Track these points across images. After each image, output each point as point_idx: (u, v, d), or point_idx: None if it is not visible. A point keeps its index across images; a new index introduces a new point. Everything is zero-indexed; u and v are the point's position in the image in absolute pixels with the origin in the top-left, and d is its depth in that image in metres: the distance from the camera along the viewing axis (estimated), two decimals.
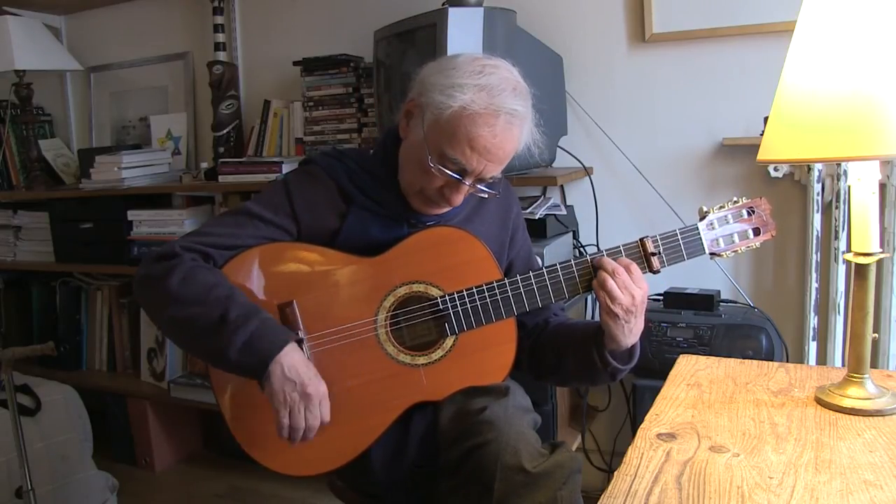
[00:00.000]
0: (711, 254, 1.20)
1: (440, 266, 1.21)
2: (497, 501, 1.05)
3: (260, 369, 1.09)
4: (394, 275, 1.21)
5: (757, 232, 1.21)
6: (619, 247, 1.19)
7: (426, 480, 1.19)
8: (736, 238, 1.21)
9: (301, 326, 1.19)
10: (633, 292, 1.13)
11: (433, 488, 1.18)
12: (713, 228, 1.20)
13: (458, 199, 1.19)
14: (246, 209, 1.24)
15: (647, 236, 1.19)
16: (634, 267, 1.15)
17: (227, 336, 1.08)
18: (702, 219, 1.20)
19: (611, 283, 1.13)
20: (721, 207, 1.21)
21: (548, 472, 1.05)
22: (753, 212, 1.21)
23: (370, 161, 1.28)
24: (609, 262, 1.15)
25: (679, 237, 1.19)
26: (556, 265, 1.20)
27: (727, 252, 1.21)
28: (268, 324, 1.11)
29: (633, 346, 1.19)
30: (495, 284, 1.20)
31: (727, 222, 1.21)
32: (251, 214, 1.22)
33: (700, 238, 1.19)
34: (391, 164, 1.25)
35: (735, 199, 1.22)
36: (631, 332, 1.16)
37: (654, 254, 1.18)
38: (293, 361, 1.10)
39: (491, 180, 1.19)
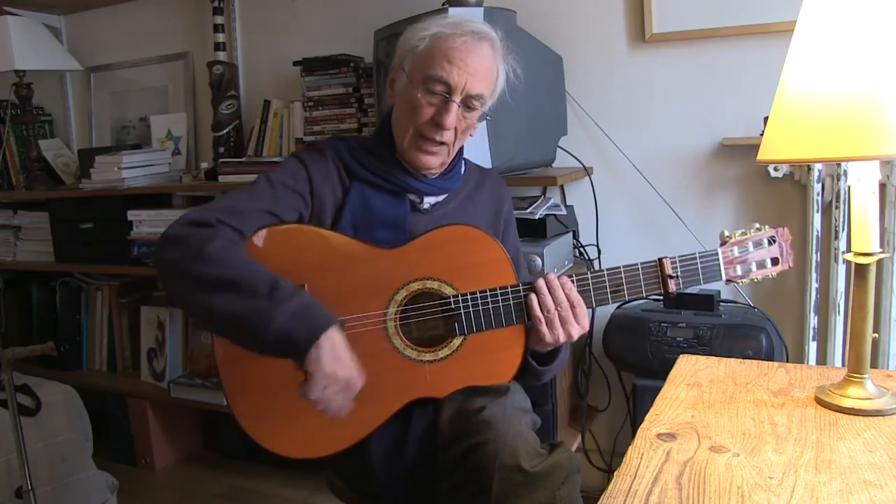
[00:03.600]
0: (728, 280, 1.20)
1: (456, 265, 1.21)
2: (495, 501, 1.04)
3: (308, 340, 1.05)
4: (408, 269, 1.21)
5: (775, 262, 1.20)
6: (636, 265, 1.19)
7: (425, 480, 1.19)
8: (754, 266, 1.20)
9: None
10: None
11: (432, 488, 1.17)
12: (732, 255, 1.19)
13: (450, 119, 1.21)
14: (266, 177, 1.25)
15: (665, 257, 1.19)
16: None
17: (278, 301, 1.05)
18: (723, 244, 1.19)
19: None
20: (743, 234, 1.20)
21: (546, 472, 1.05)
22: (774, 241, 1.20)
23: (370, 140, 1.35)
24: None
25: (698, 261, 1.19)
26: (572, 276, 1.20)
27: (743, 280, 1.20)
28: (316, 304, 1.09)
29: (554, 351, 1.26)
30: (509, 289, 1.20)
31: (747, 250, 1.20)
32: (272, 182, 1.24)
33: (719, 264, 1.19)
34: (389, 142, 1.31)
35: (758, 226, 1.21)
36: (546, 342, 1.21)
37: (671, 276, 1.18)
38: (341, 342, 1.08)
39: (478, 102, 1.24)
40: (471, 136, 1.31)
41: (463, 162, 1.39)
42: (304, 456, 1.22)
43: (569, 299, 1.18)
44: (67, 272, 2.79)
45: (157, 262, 1.17)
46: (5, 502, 1.90)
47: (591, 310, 1.24)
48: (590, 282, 1.20)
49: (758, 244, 1.20)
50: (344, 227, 1.26)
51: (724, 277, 1.19)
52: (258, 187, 1.24)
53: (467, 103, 1.23)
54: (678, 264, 1.19)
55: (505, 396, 1.16)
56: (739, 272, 1.20)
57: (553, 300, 1.17)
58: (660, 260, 1.19)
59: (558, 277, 1.19)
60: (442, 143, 1.25)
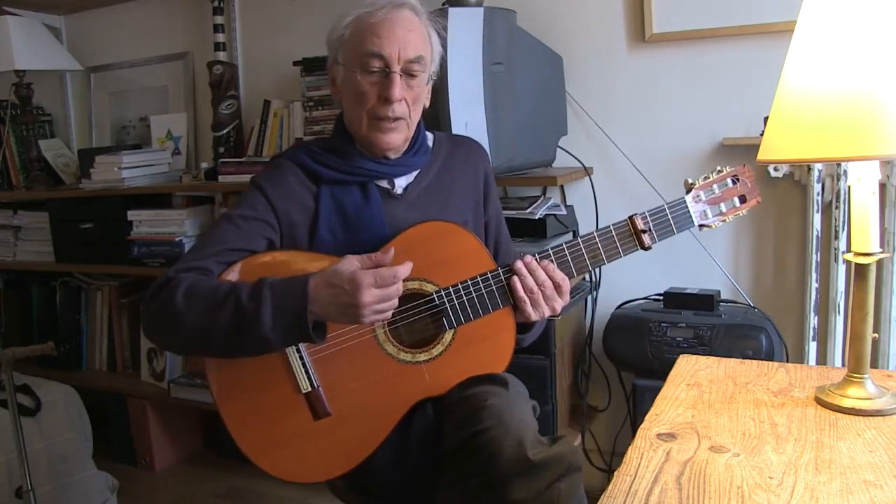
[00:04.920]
0: (700, 225, 1.23)
1: (432, 261, 1.21)
2: (495, 487, 1.04)
3: (304, 329, 1.09)
4: None
5: (743, 199, 1.24)
6: (609, 227, 1.21)
7: (431, 480, 1.19)
8: (723, 207, 1.23)
9: None
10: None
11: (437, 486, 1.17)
12: (700, 200, 1.22)
13: (396, 91, 1.22)
14: (226, 216, 1.26)
15: (636, 213, 1.21)
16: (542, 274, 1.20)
17: (253, 321, 1.09)
18: (688, 191, 1.22)
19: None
20: (706, 178, 1.23)
21: (547, 463, 1.04)
22: (738, 179, 1.23)
23: (328, 140, 1.35)
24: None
25: (667, 211, 1.22)
26: (548, 250, 1.22)
27: (715, 222, 1.23)
28: (276, 287, 1.11)
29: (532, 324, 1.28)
30: (489, 275, 1.21)
31: (713, 192, 1.23)
32: (231, 219, 1.24)
33: (688, 210, 1.22)
34: (348, 136, 1.31)
35: (719, 168, 1.24)
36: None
37: (643, 231, 1.21)
38: (323, 289, 1.10)
39: (419, 66, 1.24)
40: (426, 107, 1.32)
41: (428, 135, 1.39)
42: (319, 479, 1.22)
43: (552, 279, 1.20)
44: (67, 272, 2.79)
45: (150, 338, 1.25)
46: (5, 502, 1.90)
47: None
48: (566, 253, 1.22)
49: (722, 185, 1.23)
50: (322, 236, 1.25)
51: (696, 223, 1.22)
52: (219, 228, 1.25)
53: (408, 70, 1.24)
54: (649, 218, 1.21)
55: (507, 384, 1.16)
56: (710, 216, 1.23)
57: (535, 280, 1.19)
58: (630, 217, 1.21)
59: (539, 261, 1.21)
60: (398, 119, 1.25)
